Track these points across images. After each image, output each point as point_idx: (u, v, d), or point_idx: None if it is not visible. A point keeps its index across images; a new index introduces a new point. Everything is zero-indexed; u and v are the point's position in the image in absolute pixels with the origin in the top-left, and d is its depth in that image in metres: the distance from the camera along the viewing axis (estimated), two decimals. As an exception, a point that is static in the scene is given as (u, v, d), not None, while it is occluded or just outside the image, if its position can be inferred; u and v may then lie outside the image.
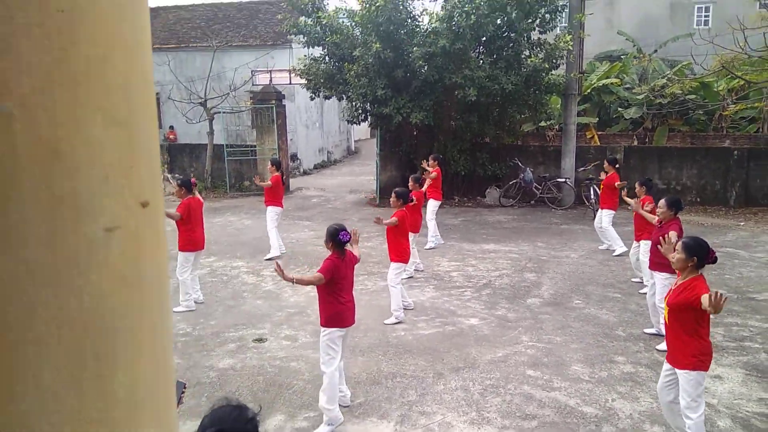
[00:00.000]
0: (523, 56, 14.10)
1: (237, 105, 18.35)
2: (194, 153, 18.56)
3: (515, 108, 14.86)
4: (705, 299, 4.08)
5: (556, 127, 17.07)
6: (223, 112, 18.18)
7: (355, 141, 29.92)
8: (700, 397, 4.38)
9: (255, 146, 17.50)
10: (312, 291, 5.34)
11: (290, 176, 18.41)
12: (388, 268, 7.58)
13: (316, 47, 15.03)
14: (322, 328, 5.18)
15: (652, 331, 6.80)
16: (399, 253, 7.45)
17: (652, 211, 7.51)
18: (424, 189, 9.77)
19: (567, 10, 14.72)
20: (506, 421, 5.05)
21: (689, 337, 4.30)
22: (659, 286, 6.40)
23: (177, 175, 12.43)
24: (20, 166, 0.35)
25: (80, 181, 0.37)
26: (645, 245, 7.79)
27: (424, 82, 13.77)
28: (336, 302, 5.12)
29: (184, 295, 7.81)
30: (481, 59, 14.20)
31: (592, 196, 13.31)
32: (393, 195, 7.73)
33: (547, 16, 14.01)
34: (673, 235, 5.36)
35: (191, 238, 7.76)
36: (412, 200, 8.02)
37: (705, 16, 28.09)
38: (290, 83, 18.18)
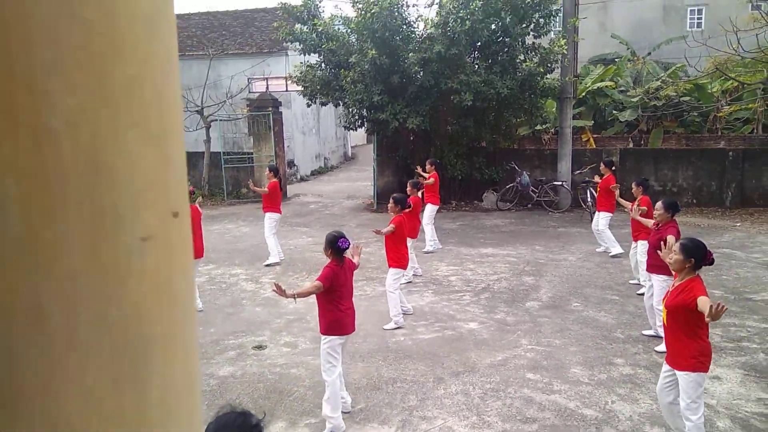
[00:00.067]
0: (518, 61, 14.18)
1: (234, 112, 18.38)
2: (191, 161, 18.55)
3: (511, 112, 14.93)
4: (702, 303, 4.10)
5: (552, 130, 17.13)
6: (220, 120, 18.20)
7: (351, 147, 29.95)
8: (700, 398, 4.40)
9: (252, 153, 17.52)
10: (311, 298, 5.34)
11: (287, 183, 18.43)
12: (386, 273, 7.59)
13: (312, 54, 15.09)
14: (323, 336, 5.17)
15: (651, 332, 6.82)
16: (397, 258, 7.46)
17: (649, 212, 7.55)
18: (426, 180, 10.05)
19: (561, 15, 14.81)
20: (507, 425, 5.06)
21: (688, 338, 4.32)
22: (657, 288, 6.42)
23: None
24: (67, 181, 0.37)
25: (120, 195, 0.39)
26: (642, 245, 7.82)
27: (420, 88, 13.82)
28: (336, 310, 5.12)
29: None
30: (477, 64, 14.28)
31: (589, 199, 13.36)
32: (391, 201, 7.74)
33: (542, 20, 14.10)
34: (672, 239, 5.38)
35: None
36: (409, 206, 8.04)
37: (698, 19, 28.25)
38: (287, 90, 18.23)
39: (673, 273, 4.73)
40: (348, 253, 5.30)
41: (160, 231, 0.43)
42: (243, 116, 18.17)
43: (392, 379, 5.97)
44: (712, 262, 4.55)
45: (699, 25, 27.65)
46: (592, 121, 18.32)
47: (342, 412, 5.16)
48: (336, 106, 16.24)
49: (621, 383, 5.76)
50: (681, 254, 4.43)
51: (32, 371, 0.38)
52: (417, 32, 14.20)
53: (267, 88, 18.27)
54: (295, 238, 12.38)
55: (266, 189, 10.23)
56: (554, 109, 16.55)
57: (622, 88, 18.70)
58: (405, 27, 14.01)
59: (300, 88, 15.46)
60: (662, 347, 5.99)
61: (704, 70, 17.34)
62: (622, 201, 9.09)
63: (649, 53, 21.58)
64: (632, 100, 17.52)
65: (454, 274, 9.58)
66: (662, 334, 6.08)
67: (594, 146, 16.99)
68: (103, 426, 0.40)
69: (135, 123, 0.41)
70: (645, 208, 7.84)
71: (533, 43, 14.42)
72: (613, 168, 10.68)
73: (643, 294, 7.70)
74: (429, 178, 10.94)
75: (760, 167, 14.23)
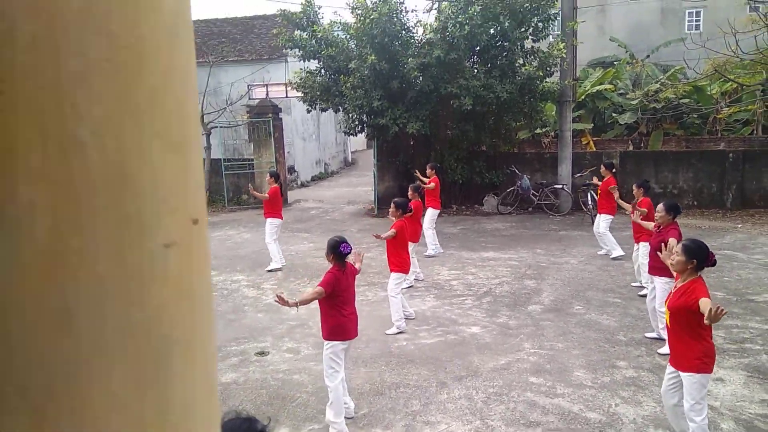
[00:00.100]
0: (517, 65, 14.22)
1: (234, 119, 18.42)
2: (191, 168, 18.57)
3: (510, 116, 14.96)
4: (704, 305, 4.11)
5: (552, 134, 17.16)
6: (220, 127, 18.24)
7: (351, 152, 30.00)
8: (704, 399, 4.40)
9: (252, 160, 17.55)
10: (313, 303, 5.34)
11: (288, 189, 18.46)
12: (388, 278, 7.59)
13: (311, 60, 15.13)
14: (325, 342, 5.17)
15: (653, 335, 6.82)
16: (399, 263, 7.47)
17: (650, 213, 7.56)
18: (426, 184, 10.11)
19: (559, 19, 14.86)
20: (510, 429, 5.06)
21: (692, 339, 4.32)
22: (659, 290, 6.43)
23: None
24: (94, 190, 0.38)
25: (144, 202, 0.41)
26: (644, 247, 7.83)
27: (419, 93, 13.86)
28: (338, 315, 5.12)
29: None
30: (476, 68, 14.32)
31: (590, 202, 13.37)
32: (392, 205, 7.76)
33: (540, 24, 14.15)
34: (673, 242, 5.39)
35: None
36: (410, 210, 8.04)
37: (696, 21, 28.33)
38: (286, 96, 18.27)
39: (675, 274, 4.74)
40: (350, 259, 5.31)
41: (182, 237, 0.44)
42: (243, 123, 18.22)
43: (395, 384, 5.97)
44: (714, 263, 4.55)
45: (697, 27, 27.72)
46: (592, 124, 18.35)
47: (345, 417, 5.16)
48: (336, 112, 16.28)
49: (624, 386, 5.75)
50: (683, 255, 4.44)
51: (61, 374, 0.39)
52: (416, 37, 14.25)
53: (267, 94, 18.32)
54: (296, 243, 12.39)
55: (266, 195, 10.26)
56: (554, 113, 16.58)
57: (622, 91, 18.74)
58: (404, 32, 14.06)
59: (300, 94, 15.49)
60: (664, 350, 5.99)
61: (703, 72, 17.39)
62: (622, 203, 9.10)
63: (648, 56, 21.64)
64: (632, 102, 17.55)
65: (456, 279, 9.58)
66: (665, 337, 6.08)
67: (594, 149, 17.02)
68: (127, 428, 0.42)
69: (158, 132, 0.42)
70: (645, 210, 7.85)
71: (532, 47, 14.47)
72: (614, 170, 10.70)
73: (644, 296, 7.70)
74: (430, 182, 10.95)
75: (761, 168, 14.25)
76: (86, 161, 0.39)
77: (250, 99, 18.57)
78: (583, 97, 17.97)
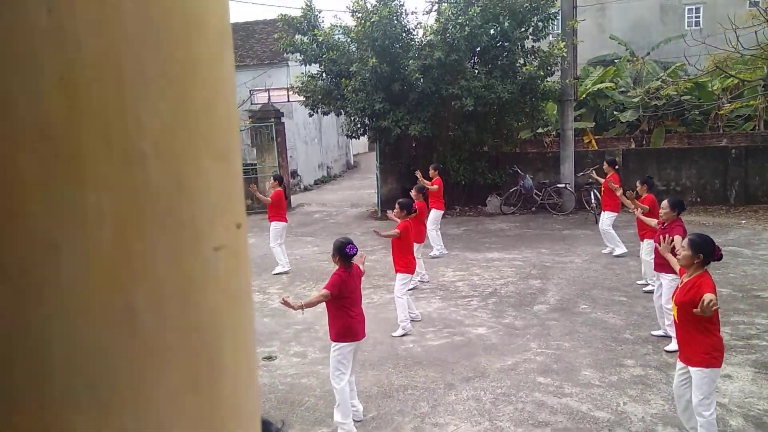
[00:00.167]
0: (517, 65, 14.24)
1: (236, 124, 18.45)
2: (195, 173, 18.62)
3: (512, 116, 14.98)
4: (705, 298, 4.12)
5: (554, 133, 17.19)
6: (222, 132, 18.26)
7: (354, 155, 30.04)
8: (713, 394, 4.41)
9: (255, 165, 17.59)
10: (319, 307, 5.37)
11: (291, 193, 18.49)
12: (393, 280, 7.61)
13: (312, 64, 15.17)
14: (333, 343, 5.20)
15: (660, 332, 6.82)
16: (404, 264, 7.48)
17: (654, 210, 7.56)
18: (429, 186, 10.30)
19: (559, 18, 14.89)
20: (519, 430, 5.07)
21: (700, 334, 4.33)
22: (665, 287, 6.43)
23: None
24: (153, 198, 0.41)
25: (197, 208, 0.43)
26: (648, 244, 7.83)
27: (421, 94, 13.89)
28: (346, 316, 5.15)
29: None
30: (477, 69, 14.34)
31: (593, 201, 13.37)
32: (396, 206, 7.78)
33: (540, 24, 14.17)
34: (677, 239, 5.40)
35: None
36: (415, 211, 8.06)
37: (696, 17, 28.33)
38: (288, 101, 18.32)
39: (679, 269, 4.76)
40: (355, 260, 5.34)
41: (229, 241, 0.47)
42: (245, 128, 18.26)
43: (403, 386, 5.98)
44: (720, 258, 4.56)
45: (697, 23, 27.73)
46: (594, 123, 18.38)
47: (354, 420, 5.18)
48: (338, 115, 16.32)
49: (632, 384, 5.76)
50: (689, 250, 4.45)
51: (125, 372, 0.42)
52: (417, 39, 14.29)
53: (269, 99, 18.37)
54: (300, 247, 12.42)
55: (269, 198, 10.30)
56: (555, 112, 16.60)
57: (623, 89, 18.76)
58: (405, 35, 14.10)
59: (302, 98, 15.53)
60: (671, 347, 6.00)
61: (704, 68, 17.39)
62: (624, 199, 9.10)
63: (648, 53, 21.65)
64: (633, 100, 17.57)
65: (461, 280, 9.59)
66: (671, 334, 6.10)
67: (596, 148, 17.03)
68: (185, 425, 0.44)
69: (208, 142, 0.44)
70: (647, 207, 7.85)
71: (532, 46, 14.49)
72: (617, 167, 10.70)
73: (649, 292, 7.71)
74: (432, 183, 10.97)
75: (763, 164, 14.24)
76: (147, 171, 0.41)
77: (252, 104, 18.63)
78: (584, 95, 18.00)
